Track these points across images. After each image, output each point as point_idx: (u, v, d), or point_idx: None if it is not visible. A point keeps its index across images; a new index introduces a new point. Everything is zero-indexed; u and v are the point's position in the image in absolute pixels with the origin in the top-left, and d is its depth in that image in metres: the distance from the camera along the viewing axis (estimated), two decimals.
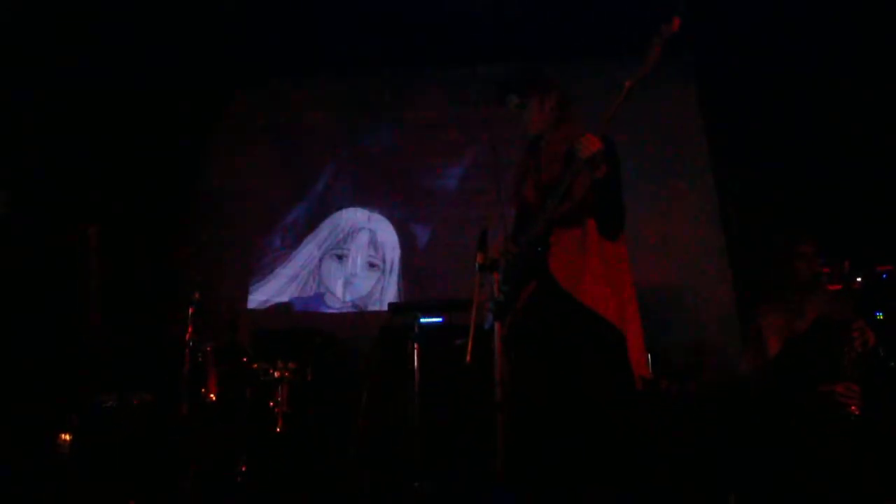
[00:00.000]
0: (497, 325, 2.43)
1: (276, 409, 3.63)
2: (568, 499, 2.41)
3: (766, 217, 5.02)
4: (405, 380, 3.77)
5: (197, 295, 3.65)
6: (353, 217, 5.88)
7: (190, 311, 3.62)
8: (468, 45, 5.67)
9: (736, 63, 5.38)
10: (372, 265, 5.75)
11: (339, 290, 5.70)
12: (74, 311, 4.51)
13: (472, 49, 5.70)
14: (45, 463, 3.60)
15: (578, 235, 2.51)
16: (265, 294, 5.73)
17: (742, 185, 5.28)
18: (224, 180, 5.93)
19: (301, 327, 5.15)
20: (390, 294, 5.63)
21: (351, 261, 5.78)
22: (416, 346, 3.81)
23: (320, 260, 5.80)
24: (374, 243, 5.79)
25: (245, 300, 5.67)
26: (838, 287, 3.10)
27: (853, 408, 2.84)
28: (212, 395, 3.64)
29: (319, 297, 5.70)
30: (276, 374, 3.68)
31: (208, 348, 3.68)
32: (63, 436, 3.69)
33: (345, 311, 5.62)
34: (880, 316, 3.35)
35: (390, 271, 5.72)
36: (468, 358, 2.47)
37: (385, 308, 5.25)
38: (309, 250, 5.82)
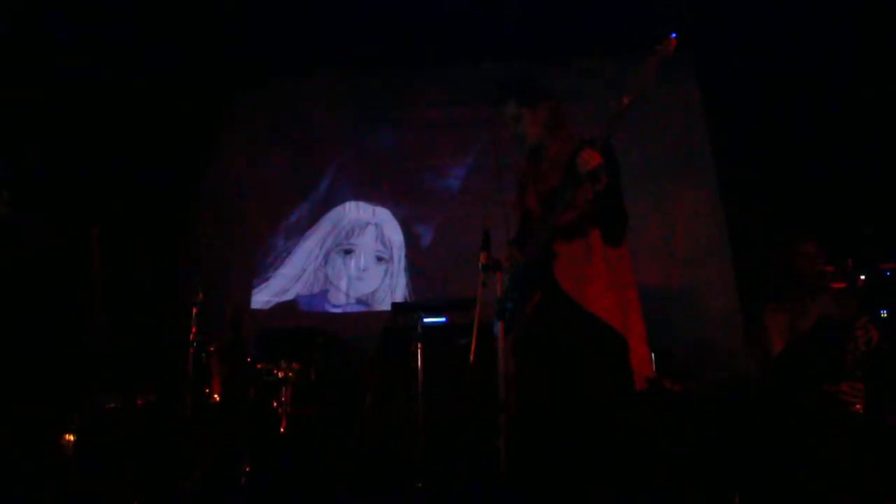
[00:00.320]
0: (500, 325, 2.44)
1: (279, 410, 3.63)
2: (569, 498, 2.42)
3: (769, 216, 5.02)
4: (408, 380, 3.76)
5: (200, 295, 3.65)
6: (358, 212, 5.89)
7: (193, 311, 3.62)
8: (470, 45, 5.68)
9: (739, 64, 5.39)
10: (380, 259, 5.75)
11: (345, 286, 5.69)
12: (77, 311, 4.51)
13: (474, 48, 5.72)
14: (48, 463, 3.60)
15: (582, 243, 2.55)
16: (269, 293, 5.73)
17: (744, 184, 5.28)
18: (226, 181, 5.93)
19: (304, 327, 5.14)
20: (399, 288, 5.64)
21: (359, 255, 5.78)
22: (419, 345, 3.81)
23: (326, 256, 5.80)
24: (381, 237, 5.79)
25: (248, 300, 5.67)
26: (842, 285, 3.10)
27: (857, 406, 2.84)
28: (215, 396, 3.65)
29: (324, 294, 5.69)
30: (280, 375, 3.68)
31: (212, 348, 3.68)
32: (66, 436, 3.69)
33: (349, 310, 5.62)
34: (884, 314, 3.34)
35: (398, 261, 5.72)
36: (472, 358, 2.49)
37: (393, 302, 5.27)
38: (310, 246, 5.82)
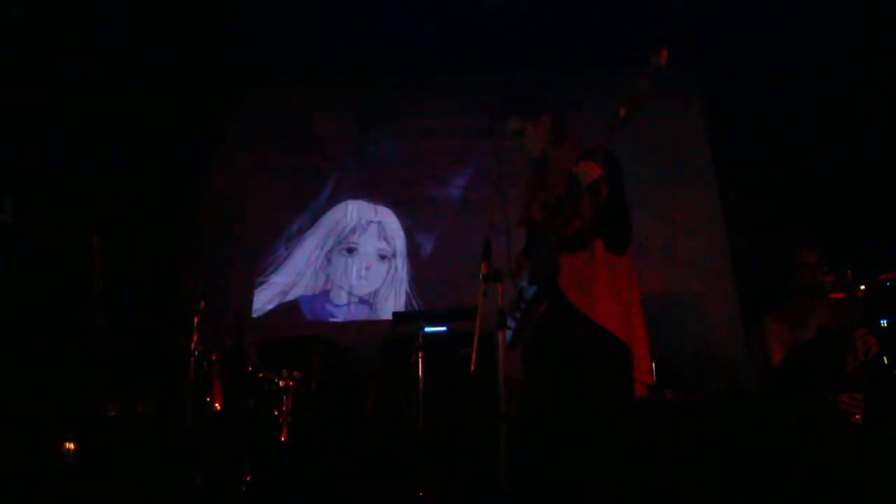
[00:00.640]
0: (501, 336, 2.45)
1: (280, 418, 3.63)
2: (569, 501, 2.44)
3: (769, 226, 5.03)
4: (409, 388, 3.77)
5: (202, 303, 3.65)
6: (360, 210, 5.90)
7: (195, 319, 3.62)
8: (473, 55, 5.70)
9: (739, 72, 5.41)
10: (383, 257, 5.76)
11: (349, 285, 5.69)
12: (78, 315, 4.51)
13: (476, 59, 5.74)
14: (48, 470, 3.60)
15: (586, 253, 2.57)
16: (270, 293, 5.72)
17: (745, 194, 5.29)
18: (228, 187, 5.94)
19: (305, 336, 5.15)
20: (402, 285, 5.64)
21: (362, 254, 5.78)
22: (420, 354, 3.82)
23: (327, 256, 5.80)
24: (384, 235, 5.80)
25: (250, 306, 5.66)
26: (841, 295, 3.11)
27: (857, 416, 2.85)
28: (216, 404, 3.64)
29: (325, 294, 5.69)
30: (281, 383, 3.68)
31: (213, 356, 3.68)
32: (67, 443, 3.70)
33: (351, 310, 5.61)
34: (884, 324, 3.35)
35: (401, 259, 5.73)
36: (472, 368, 2.50)
37: (395, 301, 5.27)
38: (311, 246, 5.82)
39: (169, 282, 5.40)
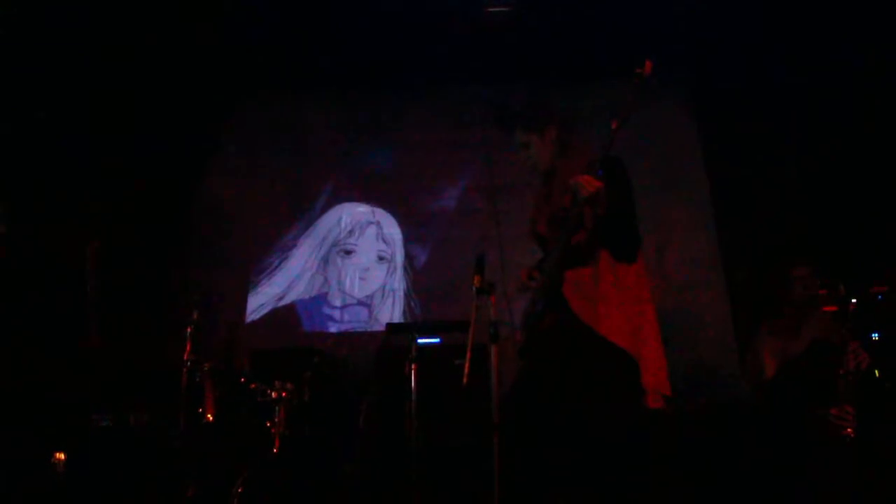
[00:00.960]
0: (494, 349, 2.45)
1: (273, 430, 3.61)
2: None
3: (763, 240, 5.05)
4: (402, 400, 3.76)
5: (195, 314, 3.64)
6: (357, 212, 5.89)
7: (188, 330, 3.61)
8: (466, 67, 5.72)
9: (732, 84, 5.42)
10: (381, 258, 5.75)
11: (347, 287, 5.68)
12: (71, 328, 4.50)
13: (471, 70, 5.76)
14: (39, 482, 3.58)
15: (591, 264, 2.59)
16: (264, 297, 5.68)
17: (738, 207, 5.31)
18: (221, 200, 5.91)
19: (299, 347, 5.14)
20: (400, 286, 5.63)
21: (360, 256, 5.77)
22: (413, 366, 3.81)
23: (325, 258, 5.79)
24: (382, 236, 5.79)
25: (244, 314, 5.62)
26: (834, 309, 3.13)
27: (848, 430, 2.86)
28: (209, 415, 3.63)
29: (322, 297, 5.66)
30: (274, 395, 3.66)
31: (206, 367, 3.67)
32: (58, 455, 3.68)
33: (348, 312, 5.58)
34: (875, 337, 3.37)
35: (399, 259, 5.72)
36: (465, 380, 2.50)
37: (394, 303, 5.25)
38: (307, 249, 5.79)
39: (162, 291, 5.37)
